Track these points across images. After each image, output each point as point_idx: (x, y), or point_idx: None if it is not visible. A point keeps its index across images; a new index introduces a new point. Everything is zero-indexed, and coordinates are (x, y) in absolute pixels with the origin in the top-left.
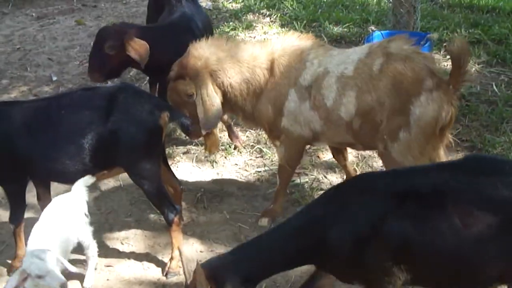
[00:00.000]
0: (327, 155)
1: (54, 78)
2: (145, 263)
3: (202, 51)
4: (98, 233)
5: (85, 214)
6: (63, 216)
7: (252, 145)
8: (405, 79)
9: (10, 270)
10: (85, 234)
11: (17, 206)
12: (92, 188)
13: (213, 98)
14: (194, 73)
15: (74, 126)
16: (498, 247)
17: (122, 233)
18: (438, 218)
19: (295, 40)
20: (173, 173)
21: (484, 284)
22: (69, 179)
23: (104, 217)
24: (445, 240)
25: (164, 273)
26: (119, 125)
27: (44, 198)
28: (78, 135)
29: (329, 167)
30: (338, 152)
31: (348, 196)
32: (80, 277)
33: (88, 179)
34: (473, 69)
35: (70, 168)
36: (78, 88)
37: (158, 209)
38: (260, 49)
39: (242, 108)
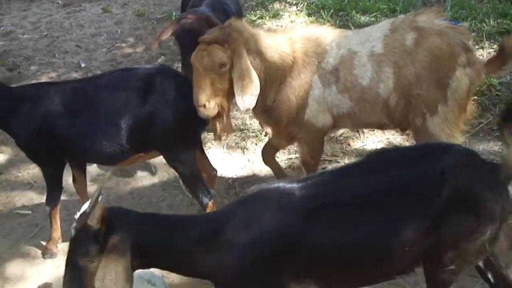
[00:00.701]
0: (357, 143)
1: (83, 65)
2: None
3: (243, 28)
4: None
5: None
6: None
7: None
8: (442, 53)
9: (45, 252)
10: None
11: (54, 188)
12: (124, 173)
13: (253, 74)
14: (236, 43)
15: (112, 106)
16: (401, 240)
17: None
18: (344, 224)
19: (306, 28)
20: (207, 158)
21: (401, 271)
22: (106, 161)
23: (137, 202)
24: (349, 242)
25: None
26: (155, 107)
27: (80, 181)
28: (116, 116)
29: (359, 155)
30: None
31: (253, 210)
32: None
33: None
34: None
35: (108, 149)
36: (116, 69)
37: (192, 193)
38: (280, 36)
39: (264, 97)
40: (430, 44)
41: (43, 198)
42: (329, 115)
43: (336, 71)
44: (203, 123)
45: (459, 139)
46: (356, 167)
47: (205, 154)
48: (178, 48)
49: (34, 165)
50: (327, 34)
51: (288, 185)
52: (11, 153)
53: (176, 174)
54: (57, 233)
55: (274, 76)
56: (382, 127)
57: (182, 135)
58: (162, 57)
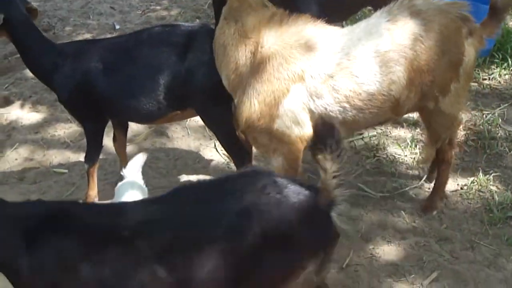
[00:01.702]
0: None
1: (117, 27)
2: None
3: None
4: (167, 178)
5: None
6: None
7: None
8: (450, 32)
9: None
10: None
11: (94, 145)
12: (159, 134)
13: None
14: None
15: (151, 62)
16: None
17: (191, 179)
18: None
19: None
20: None
21: None
22: (144, 118)
23: (173, 163)
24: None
25: None
26: (194, 65)
27: (120, 140)
28: (154, 71)
29: (396, 122)
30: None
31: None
32: None
33: (140, 159)
34: None
35: (145, 106)
36: (157, 25)
37: (228, 152)
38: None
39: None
40: (438, 26)
41: (79, 157)
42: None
43: (331, 79)
44: None
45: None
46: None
47: None
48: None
49: (70, 124)
50: (316, 35)
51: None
52: (47, 113)
53: (211, 136)
54: (93, 191)
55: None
56: (382, 123)
57: (219, 94)
58: (197, 20)
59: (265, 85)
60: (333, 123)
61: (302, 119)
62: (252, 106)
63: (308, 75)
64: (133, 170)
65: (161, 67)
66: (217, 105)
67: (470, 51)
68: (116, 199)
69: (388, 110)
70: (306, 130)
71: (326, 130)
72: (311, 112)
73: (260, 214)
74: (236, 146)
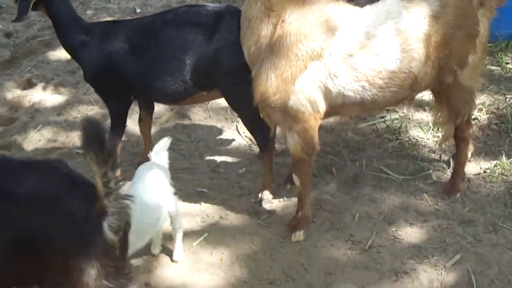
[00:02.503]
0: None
1: (138, 10)
2: (237, 191)
3: None
4: (189, 160)
5: (170, 183)
6: (151, 187)
7: None
8: (464, 4)
9: None
10: (172, 204)
11: (118, 125)
12: (181, 116)
13: None
14: None
15: (177, 42)
16: None
17: (213, 161)
18: None
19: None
20: None
21: None
22: (170, 99)
23: (194, 145)
24: None
25: (258, 201)
26: (220, 45)
27: (145, 121)
28: (180, 51)
29: (418, 105)
30: None
31: None
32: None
33: (165, 143)
34: None
35: (171, 86)
36: (184, 5)
37: (252, 134)
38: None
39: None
40: (453, 0)
41: None
42: (326, 104)
43: (350, 58)
44: None
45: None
46: None
47: None
48: None
49: (92, 106)
50: (339, 12)
51: None
52: (70, 95)
53: (233, 118)
54: (116, 171)
55: None
56: (398, 103)
57: (244, 76)
58: (217, 3)
59: (283, 60)
60: (99, 122)
61: (318, 97)
62: (268, 80)
63: (327, 53)
64: (159, 153)
65: (187, 48)
66: (243, 86)
67: (483, 21)
68: (135, 181)
69: (408, 88)
70: (321, 109)
71: (90, 130)
72: (328, 90)
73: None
74: (260, 128)
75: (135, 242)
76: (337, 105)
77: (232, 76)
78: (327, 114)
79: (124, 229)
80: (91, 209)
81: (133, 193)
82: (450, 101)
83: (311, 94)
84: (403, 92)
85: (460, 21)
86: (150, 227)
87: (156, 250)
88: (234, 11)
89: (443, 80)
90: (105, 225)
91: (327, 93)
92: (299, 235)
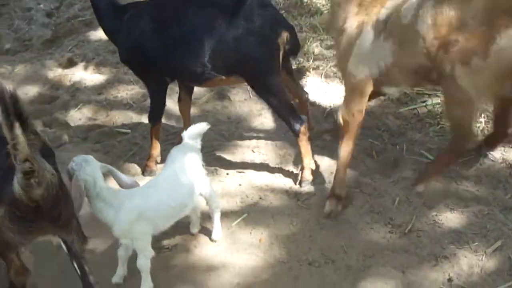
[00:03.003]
0: None
1: None
2: (276, 172)
3: None
4: (229, 140)
5: (202, 165)
6: (180, 170)
7: None
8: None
9: (144, 170)
10: (206, 186)
11: (157, 105)
12: (221, 97)
13: None
14: None
15: (196, 24)
16: None
17: (253, 142)
18: None
19: None
20: (298, 83)
21: None
22: (189, 79)
23: (235, 126)
24: None
25: (297, 182)
26: (240, 31)
27: (185, 101)
28: (199, 33)
29: None
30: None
31: None
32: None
33: (201, 127)
34: None
35: (190, 67)
36: None
37: (283, 120)
38: None
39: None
40: None
41: (142, 118)
42: (375, 67)
43: (387, 18)
44: (294, 51)
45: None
46: None
47: (294, 78)
48: None
49: (132, 86)
50: None
51: None
52: (110, 74)
53: None
54: (156, 150)
55: None
56: (428, 77)
57: (263, 64)
58: None
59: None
60: (3, 86)
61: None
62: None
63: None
64: (193, 135)
65: (206, 30)
66: (263, 75)
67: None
68: (168, 162)
69: (420, 52)
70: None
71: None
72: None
73: None
74: (288, 112)
75: (162, 223)
76: (381, 67)
77: (252, 64)
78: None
79: (37, 188)
80: (6, 163)
81: (162, 175)
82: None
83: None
84: (419, 54)
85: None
86: (176, 211)
87: (195, 229)
88: None
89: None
90: (14, 178)
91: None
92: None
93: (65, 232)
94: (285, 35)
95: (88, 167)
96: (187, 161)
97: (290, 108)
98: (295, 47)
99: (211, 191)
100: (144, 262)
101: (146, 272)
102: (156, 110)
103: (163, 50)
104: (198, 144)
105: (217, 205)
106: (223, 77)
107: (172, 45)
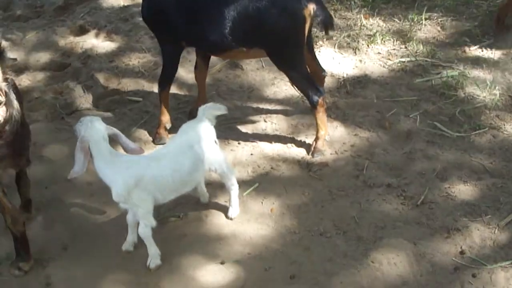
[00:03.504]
0: (473, 50)
1: None
2: (288, 142)
3: None
4: (241, 110)
5: (215, 141)
6: (189, 146)
7: (394, 34)
8: None
9: (155, 137)
10: (219, 162)
11: (169, 69)
12: (234, 67)
13: None
14: None
15: None
16: None
17: (265, 111)
18: None
19: None
20: (317, 60)
21: None
22: (208, 48)
23: (247, 95)
24: None
25: (310, 152)
26: (263, 4)
27: (201, 69)
28: (221, 2)
29: (475, 62)
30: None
31: None
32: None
33: (219, 107)
34: None
35: (209, 36)
36: None
37: (302, 92)
38: None
39: None
40: None
41: (153, 87)
42: None
43: None
44: (327, 22)
45: None
46: None
47: (314, 54)
48: None
49: (144, 54)
50: None
51: None
52: (122, 42)
53: None
54: (165, 117)
55: None
56: None
57: (287, 37)
58: None
59: None
60: None
61: None
62: None
63: None
64: (209, 113)
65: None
66: (286, 47)
67: None
68: (177, 135)
69: None
70: None
71: None
72: None
73: None
74: (308, 84)
75: (162, 196)
76: None
77: (274, 37)
78: None
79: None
80: None
81: (168, 148)
82: None
83: None
84: None
85: None
86: (177, 185)
87: (205, 199)
88: None
89: None
90: None
91: None
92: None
93: (22, 165)
94: (311, 7)
95: (94, 127)
96: (197, 137)
97: (308, 80)
98: (326, 19)
99: (225, 169)
100: (144, 230)
101: (148, 240)
102: (167, 74)
103: (185, 15)
104: (213, 121)
105: (232, 183)
106: (244, 49)
107: (194, 11)
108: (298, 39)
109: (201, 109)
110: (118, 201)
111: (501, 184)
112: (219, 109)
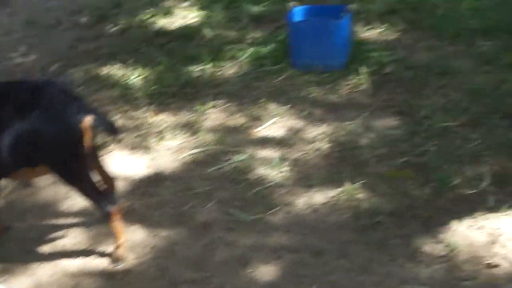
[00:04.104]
0: (259, 131)
1: None
2: (90, 255)
3: None
4: (37, 228)
5: None
6: None
7: (183, 127)
8: None
9: None
10: None
11: None
12: (24, 184)
13: None
14: None
15: None
16: None
17: (63, 226)
18: None
19: None
20: (105, 168)
21: None
22: None
23: (42, 212)
24: None
25: (112, 262)
26: (39, 123)
27: None
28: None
29: (262, 143)
30: None
31: None
32: None
33: None
34: (392, 37)
35: None
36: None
37: (93, 204)
38: None
39: None
40: None
41: None
42: None
43: None
44: (112, 131)
45: None
46: None
47: (100, 163)
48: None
49: None
50: None
51: None
52: None
53: None
54: None
55: None
56: None
57: (68, 152)
58: (55, 65)
59: None
60: None
61: None
62: None
63: None
64: None
65: (4, 126)
66: (68, 163)
67: None
68: None
69: None
70: None
71: None
72: None
73: None
74: (97, 197)
75: None
76: None
77: (55, 153)
78: None
79: None
80: None
81: None
82: None
83: None
84: None
85: None
86: None
87: None
88: (52, 84)
89: None
90: None
91: None
92: None
93: None
94: (88, 119)
95: None
96: None
97: (98, 192)
98: (108, 126)
99: None
100: None
101: None
102: None
103: None
104: None
105: None
106: (30, 168)
107: None
108: (78, 153)
109: None
110: None
111: (299, 258)
112: None
